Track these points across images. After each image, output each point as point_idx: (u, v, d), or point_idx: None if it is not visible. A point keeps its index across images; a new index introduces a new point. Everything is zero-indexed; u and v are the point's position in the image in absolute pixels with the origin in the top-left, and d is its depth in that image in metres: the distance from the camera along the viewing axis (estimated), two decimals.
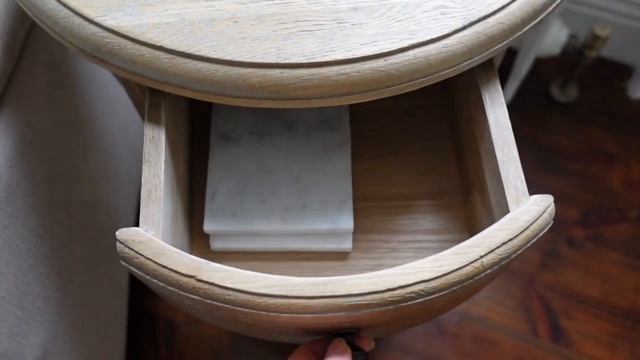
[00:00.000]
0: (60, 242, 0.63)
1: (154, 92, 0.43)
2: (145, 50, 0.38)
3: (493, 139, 0.42)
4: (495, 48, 0.40)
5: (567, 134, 1.12)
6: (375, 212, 0.55)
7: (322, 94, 0.38)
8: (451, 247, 0.37)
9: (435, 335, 0.95)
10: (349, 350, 0.38)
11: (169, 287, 0.36)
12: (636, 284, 0.97)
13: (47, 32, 0.59)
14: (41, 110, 0.59)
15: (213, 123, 0.56)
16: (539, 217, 0.38)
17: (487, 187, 0.45)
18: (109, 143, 0.78)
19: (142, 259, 0.37)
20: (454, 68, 0.39)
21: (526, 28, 0.41)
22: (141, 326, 0.97)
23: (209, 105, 0.58)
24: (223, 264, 0.36)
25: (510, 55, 1.09)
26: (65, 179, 0.64)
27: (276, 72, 0.37)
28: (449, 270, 0.35)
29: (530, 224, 0.37)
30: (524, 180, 0.40)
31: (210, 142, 0.55)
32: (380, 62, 0.37)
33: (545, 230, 0.38)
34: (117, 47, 0.39)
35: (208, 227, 0.51)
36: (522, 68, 1.05)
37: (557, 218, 0.99)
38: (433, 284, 0.35)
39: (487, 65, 0.45)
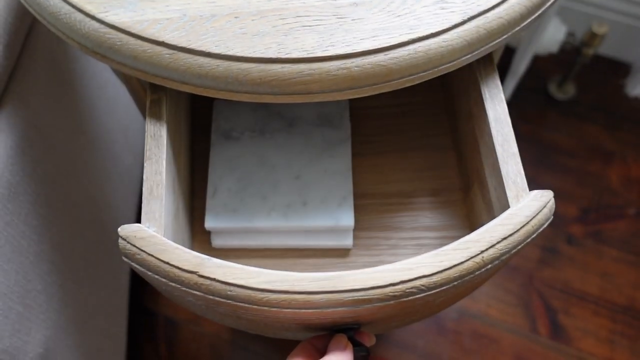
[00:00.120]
0: (61, 239, 0.63)
1: (155, 89, 0.43)
2: (146, 45, 0.38)
3: (493, 135, 0.42)
4: (494, 42, 0.40)
5: (565, 131, 1.12)
6: (376, 209, 0.55)
7: (322, 88, 0.38)
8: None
9: (434, 332, 0.95)
10: (350, 345, 0.38)
11: (170, 283, 0.36)
12: (635, 281, 0.98)
13: (47, 30, 0.59)
14: (42, 109, 0.59)
15: (214, 121, 0.56)
16: (539, 212, 0.38)
17: (487, 183, 0.45)
18: (110, 141, 0.78)
19: (144, 255, 0.37)
20: (453, 62, 0.40)
21: (525, 23, 0.41)
22: (141, 324, 0.97)
23: (210, 103, 0.59)
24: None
25: (509, 53, 1.09)
26: (66, 176, 0.64)
27: (277, 67, 0.37)
28: (449, 265, 0.35)
29: (531, 219, 0.38)
30: (523, 176, 0.40)
31: (211, 140, 0.55)
32: (380, 57, 0.38)
33: (545, 226, 0.38)
34: (118, 43, 0.39)
35: (209, 224, 0.51)
36: (520, 66, 1.05)
37: (556, 215, 0.99)
38: (434, 279, 0.35)
39: (486, 61, 0.45)
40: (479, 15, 0.39)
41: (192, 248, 0.53)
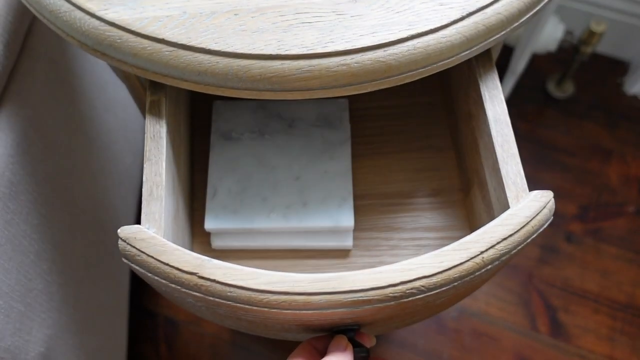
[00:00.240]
0: (61, 239, 0.63)
1: (154, 90, 0.43)
2: (146, 43, 0.38)
3: (492, 135, 0.42)
4: (493, 38, 0.41)
5: (564, 129, 1.12)
6: (376, 210, 0.55)
7: (322, 84, 0.38)
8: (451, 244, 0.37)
9: (435, 330, 0.95)
10: (350, 346, 0.38)
11: (170, 285, 0.36)
12: (634, 278, 0.98)
13: (47, 30, 0.59)
14: (42, 108, 0.59)
15: (213, 122, 0.56)
16: (539, 212, 0.38)
17: (486, 183, 0.45)
18: (109, 141, 0.78)
19: (144, 257, 0.37)
20: (452, 58, 0.40)
21: (523, 19, 0.41)
22: (141, 324, 0.97)
23: (210, 104, 0.59)
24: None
25: (507, 51, 1.09)
26: (66, 176, 0.64)
27: (277, 64, 0.37)
28: (449, 265, 0.35)
29: (530, 220, 0.38)
30: (523, 176, 0.40)
31: (211, 141, 0.55)
32: (379, 53, 0.38)
33: (545, 226, 0.39)
34: (118, 41, 0.39)
35: (209, 225, 0.51)
36: (518, 64, 1.05)
37: (555, 213, 0.99)
38: (434, 279, 0.35)
39: (485, 61, 0.45)
40: (477, 12, 0.39)
41: (192, 249, 0.53)
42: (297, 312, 0.35)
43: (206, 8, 0.40)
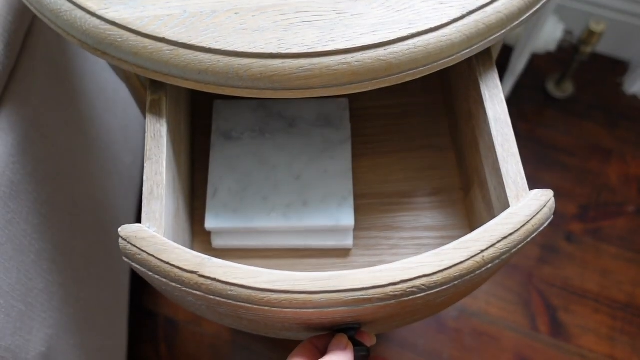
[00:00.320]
0: (61, 238, 0.63)
1: (155, 89, 0.43)
2: (147, 42, 0.38)
3: (493, 135, 0.42)
4: (493, 37, 0.41)
5: (563, 129, 1.12)
6: (376, 210, 0.55)
7: (323, 83, 0.38)
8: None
9: (435, 330, 0.95)
10: (350, 345, 0.38)
11: (171, 283, 0.36)
12: (634, 278, 0.98)
13: (47, 30, 0.59)
14: (42, 108, 0.59)
15: (214, 122, 0.56)
16: (539, 211, 0.38)
17: (487, 182, 0.45)
18: (109, 141, 0.78)
19: (145, 256, 0.37)
20: (453, 57, 0.40)
21: (524, 17, 0.41)
22: (141, 324, 0.97)
23: (210, 104, 0.59)
24: None
25: (507, 51, 1.09)
26: (66, 176, 0.64)
27: (278, 62, 0.37)
28: (450, 264, 0.35)
29: (531, 219, 0.38)
30: (524, 175, 0.40)
31: (212, 141, 0.55)
32: (380, 51, 0.38)
33: (545, 225, 0.39)
34: (119, 40, 0.39)
35: (209, 224, 0.51)
36: (518, 64, 1.05)
37: (555, 213, 0.99)
38: (435, 278, 0.35)
39: (486, 61, 0.45)
40: (477, 10, 0.39)
41: (193, 248, 0.53)
42: (298, 310, 0.35)
43: (207, 7, 0.40)
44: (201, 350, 0.95)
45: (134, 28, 0.39)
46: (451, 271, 0.35)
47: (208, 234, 0.53)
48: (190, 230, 0.53)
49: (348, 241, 0.52)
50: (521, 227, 0.37)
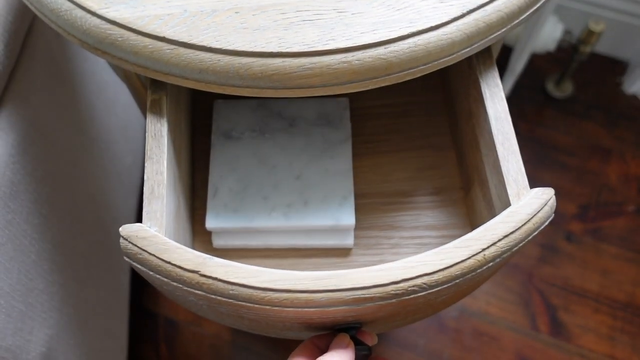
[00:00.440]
0: (62, 238, 0.63)
1: (155, 88, 0.43)
2: (148, 41, 0.38)
3: (493, 133, 0.42)
4: (493, 36, 0.41)
5: (563, 129, 1.12)
6: (377, 209, 0.55)
7: (323, 82, 0.38)
8: None
9: (435, 330, 0.95)
10: (352, 344, 0.38)
11: (172, 283, 0.36)
12: (634, 277, 0.98)
13: (47, 30, 0.59)
14: (42, 108, 0.59)
15: (214, 121, 0.56)
16: (540, 210, 0.38)
17: (487, 181, 0.45)
18: (109, 141, 0.78)
19: (146, 255, 0.37)
20: (453, 55, 0.40)
21: (524, 16, 0.41)
22: (141, 324, 0.97)
23: (210, 103, 0.59)
24: None
25: (506, 51, 1.09)
26: (66, 176, 0.64)
27: (278, 61, 0.37)
28: (451, 263, 0.35)
29: (532, 217, 0.38)
30: (524, 174, 0.41)
31: (212, 140, 0.55)
32: (380, 50, 0.38)
33: (546, 223, 0.39)
34: (119, 39, 0.39)
35: (210, 224, 0.51)
36: (517, 64, 1.05)
37: (555, 213, 0.99)
38: (436, 276, 0.35)
39: (486, 59, 0.45)
40: (478, 9, 0.39)
41: (193, 248, 0.53)
42: (299, 309, 0.35)
43: (207, 6, 0.40)
44: (201, 351, 0.95)
45: (134, 27, 0.39)
46: (452, 270, 0.35)
47: (209, 234, 0.53)
48: (191, 230, 0.53)
49: (349, 240, 0.52)
50: (522, 225, 0.37)
